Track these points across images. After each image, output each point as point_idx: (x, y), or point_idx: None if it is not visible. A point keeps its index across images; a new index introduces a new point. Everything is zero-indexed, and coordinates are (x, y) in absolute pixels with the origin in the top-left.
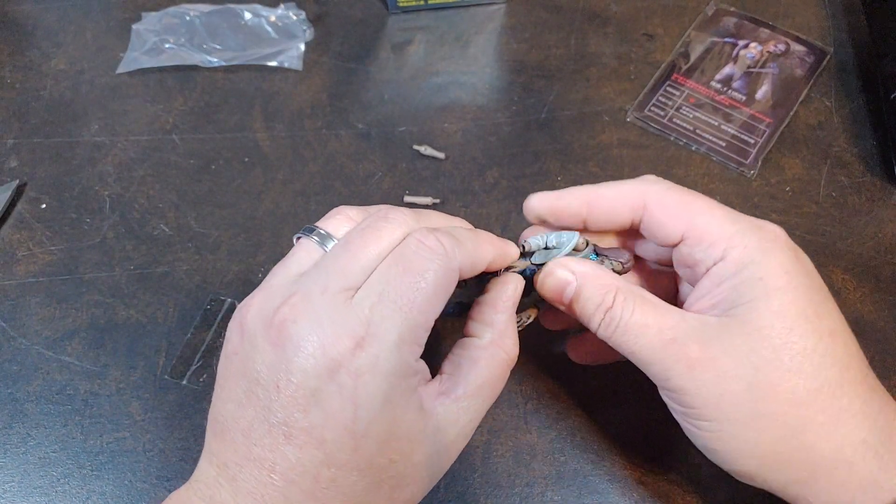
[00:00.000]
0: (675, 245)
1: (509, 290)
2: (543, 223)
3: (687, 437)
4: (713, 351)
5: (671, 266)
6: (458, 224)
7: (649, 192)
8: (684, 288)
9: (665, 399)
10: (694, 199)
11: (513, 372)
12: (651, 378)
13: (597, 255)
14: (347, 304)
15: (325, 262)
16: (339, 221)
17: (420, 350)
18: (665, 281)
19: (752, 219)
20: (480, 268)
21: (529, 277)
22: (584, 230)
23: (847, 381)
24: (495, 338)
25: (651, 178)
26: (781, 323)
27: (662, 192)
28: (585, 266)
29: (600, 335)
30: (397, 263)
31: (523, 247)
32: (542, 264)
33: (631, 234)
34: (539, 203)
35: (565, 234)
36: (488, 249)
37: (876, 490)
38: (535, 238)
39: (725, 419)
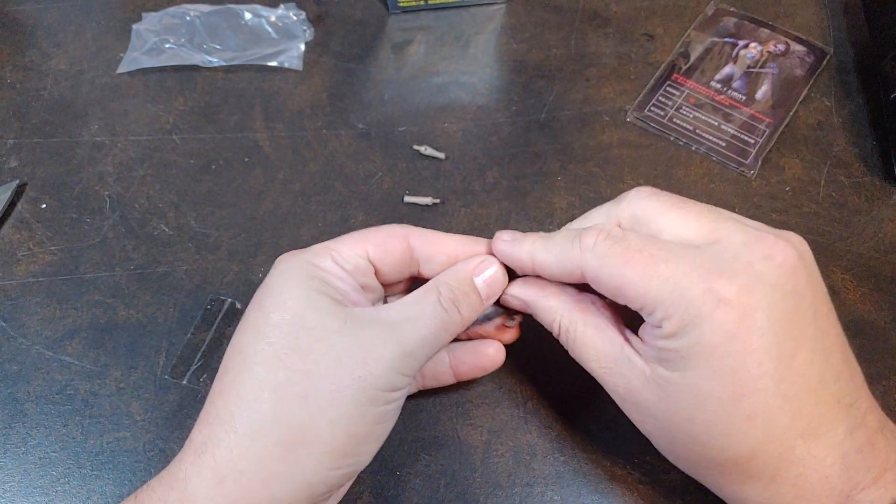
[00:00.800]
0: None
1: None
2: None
3: None
4: (636, 397)
5: None
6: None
7: (583, 265)
8: None
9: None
10: (626, 268)
11: (513, 372)
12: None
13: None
14: None
15: None
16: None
17: (345, 261)
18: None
19: (704, 276)
20: (439, 260)
21: None
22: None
23: (757, 458)
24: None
25: (589, 240)
26: (694, 401)
27: (596, 265)
28: (532, 292)
29: (564, 345)
30: None
31: None
32: None
33: None
34: (499, 252)
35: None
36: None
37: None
38: None
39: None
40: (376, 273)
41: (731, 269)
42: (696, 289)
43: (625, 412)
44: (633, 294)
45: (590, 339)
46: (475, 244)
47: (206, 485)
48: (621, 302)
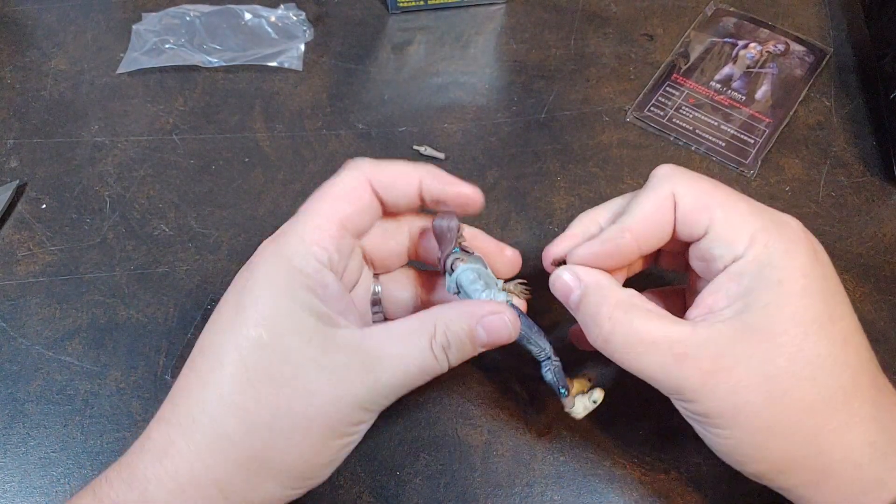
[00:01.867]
0: (699, 239)
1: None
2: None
3: (686, 438)
4: (726, 361)
5: (678, 266)
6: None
7: (676, 185)
8: (696, 290)
9: (678, 406)
10: (716, 189)
11: (512, 372)
12: (661, 391)
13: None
14: None
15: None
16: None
17: (325, 251)
18: (674, 296)
19: (775, 213)
20: (403, 187)
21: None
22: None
23: (858, 386)
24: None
25: (666, 169)
26: (796, 329)
27: (686, 185)
28: (591, 276)
29: (603, 352)
30: (318, 188)
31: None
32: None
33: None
34: (586, 258)
35: (499, 295)
36: (408, 170)
37: (881, 490)
38: (470, 283)
39: (740, 427)
40: (353, 233)
41: (798, 224)
42: (779, 219)
43: (705, 396)
44: (723, 212)
45: (655, 322)
46: (440, 177)
47: (166, 492)
48: (699, 232)
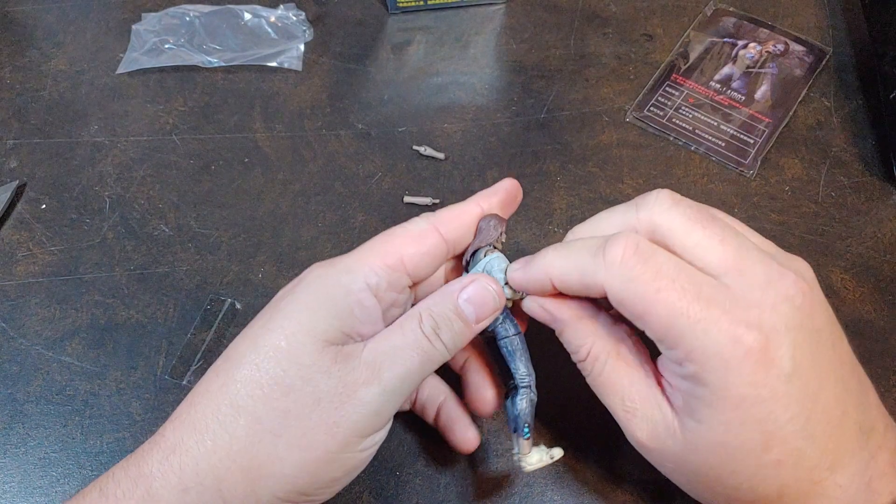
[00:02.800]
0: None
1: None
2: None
3: None
4: (660, 443)
5: None
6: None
7: (606, 283)
8: None
9: None
10: (656, 296)
11: None
12: None
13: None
14: None
15: None
16: None
17: (375, 276)
18: None
19: (731, 322)
20: (466, 218)
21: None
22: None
23: (787, 496)
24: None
25: (614, 252)
26: (722, 451)
27: (619, 288)
28: (566, 311)
29: (584, 373)
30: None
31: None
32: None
33: None
34: (517, 283)
35: (495, 262)
36: (467, 206)
37: None
38: (501, 264)
39: (696, 495)
40: (411, 274)
41: (758, 317)
42: (724, 338)
43: (643, 454)
44: (657, 326)
45: (621, 374)
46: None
47: (170, 490)
48: (638, 327)
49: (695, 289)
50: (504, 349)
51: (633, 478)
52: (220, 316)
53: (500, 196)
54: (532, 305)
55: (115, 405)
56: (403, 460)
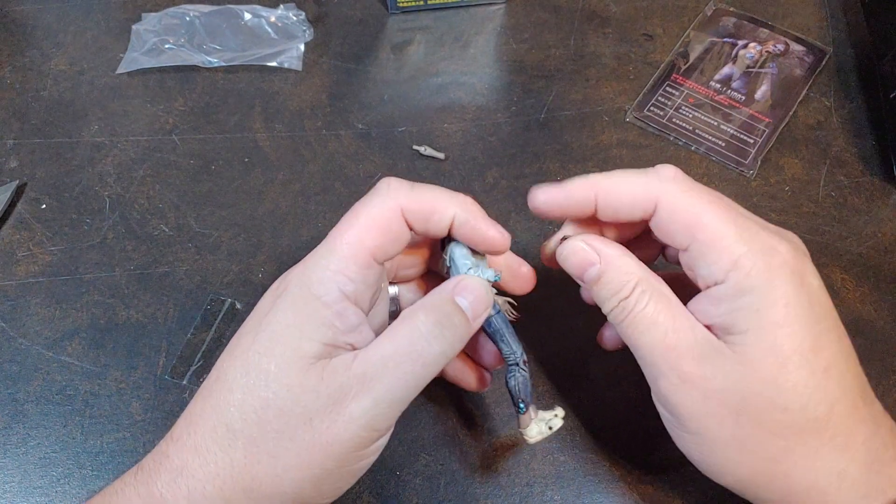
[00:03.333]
0: (683, 250)
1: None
2: (547, 217)
3: None
4: (706, 370)
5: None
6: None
7: (662, 193)
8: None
9: (654, 402)
10: (706, 207)
11: None
12: (645, 376)
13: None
14: None
15: None
16: None
17: (351, 283)
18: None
19: (766, 236)
20: (436, 219)
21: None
22: (592, 223)
23: (835, 416)
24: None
25: (667, 172)
26: (773, 359)
27: (675, 196)
28: (611, 249)
29: (609, 319)
30: (349, 211)
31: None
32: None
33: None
34: (545, 201)
35: (485, 271)
36: (444, 201)
37: None
38: (461, 257)
39: (706, 435)
40: (380, 260)
41: (785, 237)
42: (765, 245)
43: (681, 394)
44: (706, 235)
45: (663, 307)
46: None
47: None
48: (681, 243)
49: (734, 208)
50: (489, 329)
51: (635, 478)
52: (220, 316)
53: (480, 235)
54: (576, 244)
55: (115, 405)
56: (403, 460)
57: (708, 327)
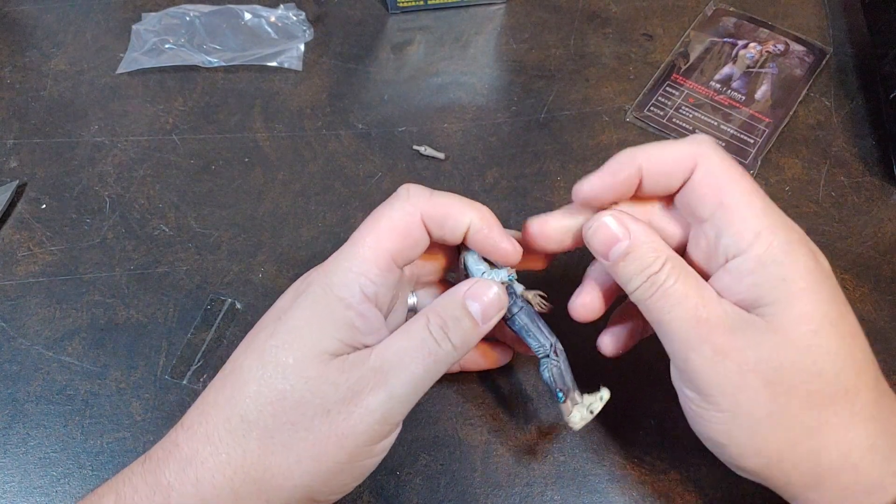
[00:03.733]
0: (701, 222)
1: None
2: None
3: (686, 438)
4: (739, 342)
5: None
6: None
7: (702, 155)
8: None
9: (677, 383)
10: (738, 179)
11: (513, 372)
12: (670, 355)
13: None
14: None
15: None
16: None
17: (372, 285)
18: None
19: (782, 215)
20: (451, 225)
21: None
22: (632, 198)
23: (862, 384)
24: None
25: (703, 138)
26: (806, 326)
27: (713, 161)
28: (638, 226)
29: (634, 298)
30: (370, 215)
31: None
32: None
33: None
34: (591, 190)
35: (498, 273)
36: (461, 208)
37: (880, 492)
38: (474, 262)
39: (739, 412)
40: (400, 264)
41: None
42: (787, 222)
43: (712, 369)
44: (735, 201)
45: (691, 281)
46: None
47: (187, 500)
48: (705, 212)
49: (760, 189)
50: (515, 327)
51: (635, 478)
52: (221, 316)
53: (492, 245)
54: (605, 221)
55: (116, 405)
56: (403, 460)
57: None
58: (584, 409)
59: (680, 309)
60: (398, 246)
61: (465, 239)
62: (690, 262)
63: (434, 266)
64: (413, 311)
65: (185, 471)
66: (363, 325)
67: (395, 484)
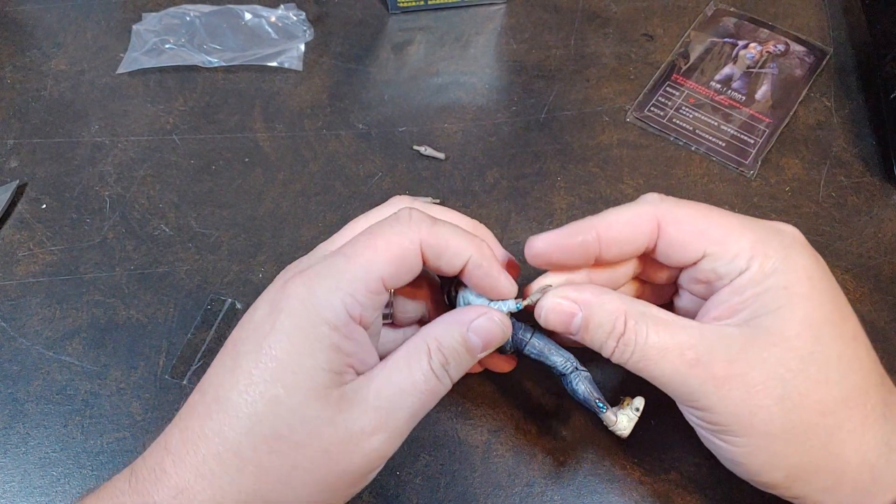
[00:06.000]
0: (694, 263)
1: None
2: (548, 266)
3: (686, 438)
4: (740, 366)
5: (671, 285)
6: (469, 225)
7: (661, 212)
8: (682, 300)
9: (688, 416)
10: (707, 211)
11: (514, 373)
12: (674, 398)
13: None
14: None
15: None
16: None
17: (359, 306)
18: (665, 291)
19: (766, 222)
20: (449, 257)
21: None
22: (594, 266)
23: (870, 385)
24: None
25: (653, 196)
26: (808, 331)
27: (675, 211)
28: (585, 293)
29: (616, 361)
30: (364, 231)
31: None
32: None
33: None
34: (545, 246)
35: (506, 303)
36: (461, 242)
37: (893, 490)
38: (477, 296)
39: (756, 433)
40: (389, 288)
41: (780, 227)
42: (773, 227)
43: (719, 401)
44: (720, 233)
45: (664, 329)
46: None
47: None
48: (694, 254)
49: (730, 213)
50: (532, 355)
51: (635, 478)
52: (221, 316)
53: (490, 284)
54: (550, 302)
55: (116, 405)
56: (403, 460)
57: (731, 318)
58: (629, 410)
59: (666, 363)
60: (392, 270)
61: (461, 273)
62: (687, 290)
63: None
64: (388, 316)
65: (178, 499)
66: (349, 346)
67: (395, 484)
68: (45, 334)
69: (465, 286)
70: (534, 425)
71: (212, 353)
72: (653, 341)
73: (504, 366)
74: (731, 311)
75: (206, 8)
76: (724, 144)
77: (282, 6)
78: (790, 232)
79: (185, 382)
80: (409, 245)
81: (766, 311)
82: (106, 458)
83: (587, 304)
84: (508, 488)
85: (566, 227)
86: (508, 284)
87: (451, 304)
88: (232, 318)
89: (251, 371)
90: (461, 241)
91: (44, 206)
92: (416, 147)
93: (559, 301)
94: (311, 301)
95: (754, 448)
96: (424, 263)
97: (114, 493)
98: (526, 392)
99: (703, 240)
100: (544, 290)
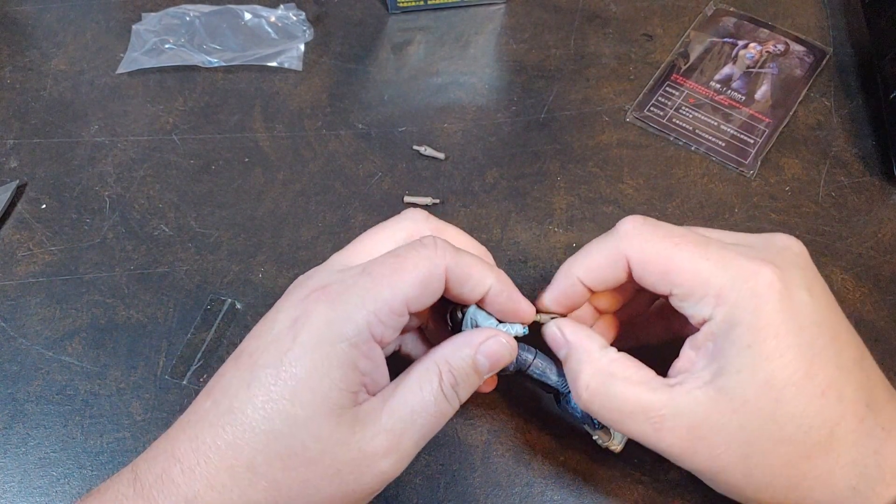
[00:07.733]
0: (668, 296)
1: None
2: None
3: None
4: (703, 431)
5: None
6: (479, 251)
7: (627, 249)
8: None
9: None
10: (674, 249)
11: (514, 374)
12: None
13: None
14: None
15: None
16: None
17: (381, 326)
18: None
19: (745, 262)
20: (472, 285)
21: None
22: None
23: (836, 438)
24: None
25: (625, 227)
26: (770, 394)
27: (640, 249)
28: (578, 335)
29: (582, 406)
30: (391, 253)
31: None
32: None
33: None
34: (549, 305)
35: (514, 326)
36: (483, 271)
37: None
38: (485, 318)
39: (724, 485)
40: (412, 311)
41: (767, 257)
42: (746, 271)
43: (687, 460)
44: (683, 277)
45: (633, 392)
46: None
47: None
48: (662, 290)
49: (705, 241)
50: (535, 374)
51: (635, 478)
52: (221, 316)
53: (511, 309)
54: (548, 330)
55: (116, 405)
56: None
57: (703, 369)
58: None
59: (633, 423)
60: (417, 293)
61: (481, 300)
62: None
63: None
64: None
65: None
66: (365, 365)
67: (395, 484)
68: (44, 334)
69: (468, 308)
70: (534, 425)
71: (211, 353)
72: (618, 404)
73: (485, 388)
74: (701, 360)
75: (206, 8)
76: (723, 144)
77: (282, 6)
78: (768, 273)
79: (184, 382)
80: (436, 271)
81: (729, 372)
82: (106, 458)
83: (573, 346)
84: (508, 488)
85: (553, 284)
86: (528, 308)
87: (454, 324)
88: (232, 319)
89: (270, 387)
90: (483, 270)
91: (43, 206)
92: (416, 147)
93: (555, 331)
94: (334, 318)
95: (723, 487)
96: (445, 291)
97: (116, 496)
98: (526, 392)
99: (666, 282)
100: (551, 316)
